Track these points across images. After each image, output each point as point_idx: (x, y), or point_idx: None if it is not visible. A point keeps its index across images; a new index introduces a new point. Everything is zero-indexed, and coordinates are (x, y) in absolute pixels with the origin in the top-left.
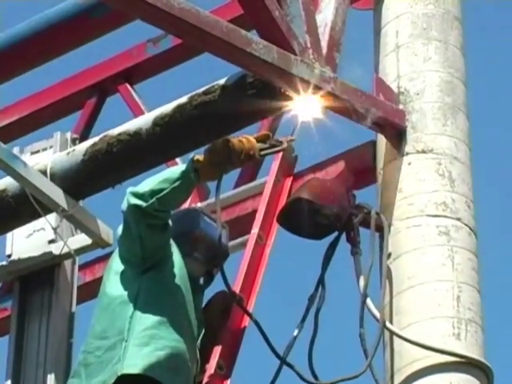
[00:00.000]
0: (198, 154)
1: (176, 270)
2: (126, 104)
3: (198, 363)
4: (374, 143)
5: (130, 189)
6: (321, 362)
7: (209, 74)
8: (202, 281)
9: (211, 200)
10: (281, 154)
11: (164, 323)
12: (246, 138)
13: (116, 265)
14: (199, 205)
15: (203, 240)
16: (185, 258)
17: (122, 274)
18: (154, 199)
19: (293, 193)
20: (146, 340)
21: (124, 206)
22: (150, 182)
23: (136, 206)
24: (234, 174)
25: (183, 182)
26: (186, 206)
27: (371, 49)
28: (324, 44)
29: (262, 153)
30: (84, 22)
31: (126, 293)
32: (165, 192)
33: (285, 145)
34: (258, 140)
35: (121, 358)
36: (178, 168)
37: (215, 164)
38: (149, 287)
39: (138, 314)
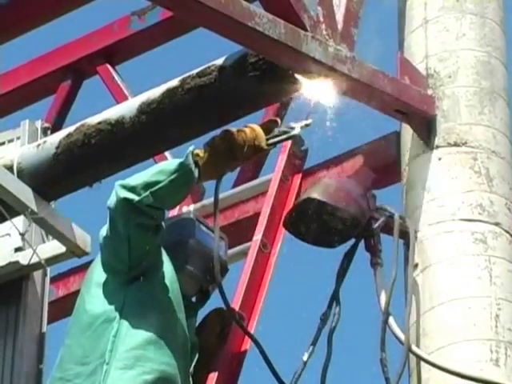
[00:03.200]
0: (198, 148)
1: (167, 281)
2: (106, 88)
3: None
4: (397, 135)
5: (120, 181)
6: None
7: (204, 53)
8: (194, 299)
9: (206, 201)
10: (288, 147)
11: (152, 343)
12: (249, 127)
13: (97, 276)
14: (192, 207)
15: (198, 252)
16: (176, 272)
17: (105, 285)
18: (147, 193)
19: (302, 193)
20: (131, 362)
21: (111, 200)
22: (144, 173)
23: (126, 200)
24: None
25: (182, 175)
26: (177, 209)
27: (395, 24)
28: (339, 17)
29: (270, 141)
30: None
31: (109, 308)
32: (161, 185)
33: (297, 130)
34: (264, 128)
35: (101, 383)
36: (175, 160)
37: (216, 160)
38: (135, 300)
39: (123, 331)
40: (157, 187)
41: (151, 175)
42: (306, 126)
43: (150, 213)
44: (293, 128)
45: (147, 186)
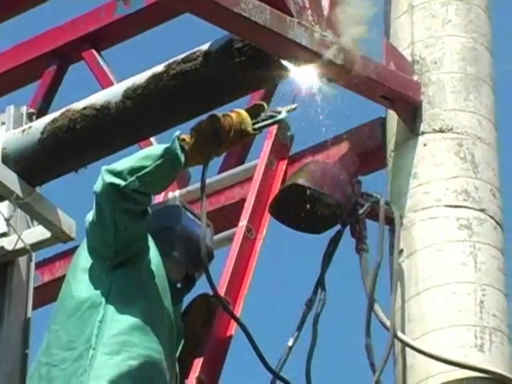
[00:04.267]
0: (184, 133)
1: (153, 267)
2: (91, 73)
3: (178, 377)
4: (383, 121)
5: (106, 166)
6: (320, 377)
7: (189, 39)
8: (180, 285)
9: (192, 187)
10: (274, 133)
11: (138, 328)
12: (235, 111)
13: (83, 261)
14: (178, 193)
15: (184, 238)
16: (162, 258)
17: (91, 270)
18: (133, 177)
19: (288, 178)
20: (117, 348)
21: (97, 185)
22: (130, 158)
23: (112, 185)
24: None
25: (169, 160)
26: (162, 195)
27: (381, 9)
28: (325, 3)
29: (256, 126)
30: None
31: (95, 293)
32: (147, 170)
33: (284, 114)
34: (250, 113)
35: (87, 368)
36: (161, 145)
37: (202, 145)
38: (121, 285)
39: (109, 316)
40: (143, 172)
41: (137, 160)
42: (292, 110)
43: (137, 198)
44: (279, 112)
45: (133, 170)
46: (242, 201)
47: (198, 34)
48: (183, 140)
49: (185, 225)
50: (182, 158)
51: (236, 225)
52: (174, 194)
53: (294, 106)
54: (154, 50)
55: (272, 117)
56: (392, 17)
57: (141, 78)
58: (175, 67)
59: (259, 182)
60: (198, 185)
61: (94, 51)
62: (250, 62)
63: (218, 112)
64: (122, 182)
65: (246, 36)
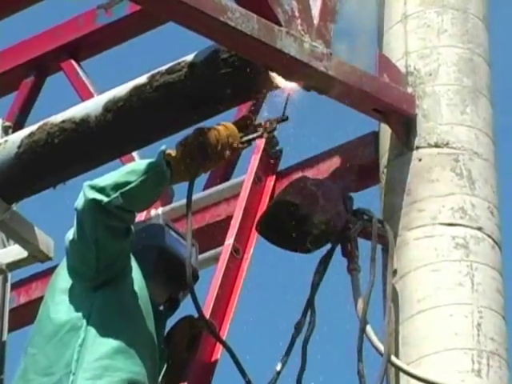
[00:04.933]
0: (170, 148)
1: (136, 288)
2: (70, 85)
3: None
4: (376, 135)
5: (88, 182)
6: None
7: (173, 49)
8: (163, 308)
9: (176, 204)
10: (261, 147)
11: (121, 352)
12: (222, 124)
13: (62, 281)
14: (161, 210)
15: (168, 259)
16: (145, 279)
17: (71, 291)
18: (117, 193)
19: (276, 195)
20: (100, 372)
21: (79, 202)
22: (113, 174)
23: (95, 201)
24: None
25: (154, 175)
26: (144, 213)
27: (373, 19)
28: (315, 12)
29: (244, 139)
30: None
31: (75, 315)
32: (131, 185)
33: (273, 126)
34: (238, 126)
35: None
36: (146, 160)
37: (188, 160)
38: (103, 307)
39: (90, 340)
40: (127, 188)
41: (121, 175)
42: (282, 121)
43: (120, 215)
44: (268, 124)
45: (117, 186)
46: (229, 218)
47: (182, 43)
48: (169, 155)
49: (169, 244)
50: (168, 174)
51: (222, 244)
52: (157, 211)
53: (283, 117)
54: (136, 61)
55: (261, 129)
56: (385, 26)
57: (122, 89)
58: (159, 79)
59: (246, 198)
60: (182, 202)
61: (73, 62)
62: (236, 73)
63: (205, 125)
64: (104, 198)
65: (233, 46)
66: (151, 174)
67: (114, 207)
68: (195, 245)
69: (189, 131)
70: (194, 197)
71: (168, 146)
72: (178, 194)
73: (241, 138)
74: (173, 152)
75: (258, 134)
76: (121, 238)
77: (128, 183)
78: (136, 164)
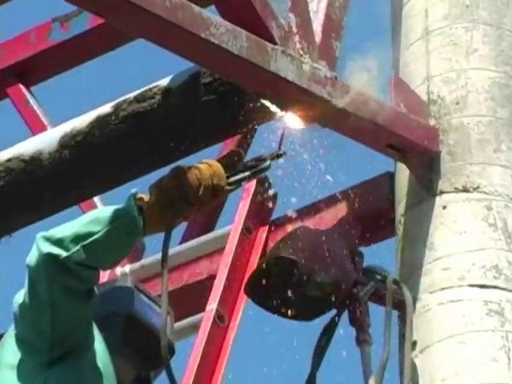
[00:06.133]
0: (141, 192)
1: (99, 364)
2: (19, 115)
3: None
4: (391, 177)
5: (42, 233)
6: None
7: (144, 72)
8: None
9: (147, 261)
10: (252, 191)
11: None
12: (205, 162)
13: (10, 354)
14: (128, 269)
15: (138, 329)
16: (110, 353)
17: (20, 367)
18: (78, 247)
19: (269, 250)
20: None
21: (31, 257)
22: (73, 223)
23: (51, 256)
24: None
25: (123, 225)
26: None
27: (388, 35)
28: (317, 27)
29: (232, 179)
30: None
31: None
32: (96, 237)
33: (267, 163)
34: (224, 163)
35: None
36: (113, 206)
37: (165, 206)
38: None
39: None
40: (90, 240)
41: (83, 225)
42: (277, 157)
43: (81, 273)
44: (261, 161)
45: (78, 238)
46: (211, 278)
47: (155, 65)
48: (141, 200)
49: (138, 311)
50: (140, 223)
51: (203, 309)
52: (123, 270)
53: (280, 153)
54: (99, 86)
55: (252, 167)
56: (402, 45)
57: (82, 121)
58: (126, 108)
59: (233, 254)
60: (154, 258)
61: (21, 86)
62: (221, 101)
63: (184, 164)
64: (63, 253)
65: (217, 68)
66: (120, 224)
67: (74, 264)
68: (170, 312)
69: (164, 171)
70: (170, 251)
71: (139, 189)
72: (150, 249)
73: (227, 178)
74: (145, 196)
75: (249, 173)
76: (82, 301)
77: (91, 234)
78: (100, 211)
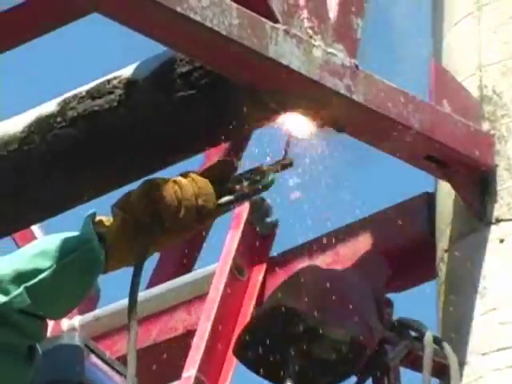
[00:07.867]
0: (102, 214)
1: None
2: None
3: None
4: (430, 199)
5: None
6: None
7: (99, 58)
8: None
9: (102, 311)
10: (244, 216)
11: None
12: (188, 175)
13: None
14: (77, 320)
15: None
16: None
17: None
18: (21, 289)
19: (267, 297)
20: None
21: None
22: (13, 258)
23: None
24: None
25: (79, 259)
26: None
27: (426, 13)
28: (332, 1)
29: (223, 200)
30: None
31: None
32: (44, 276)
33: (270, 177)
34: (212, 177)
35: None
36: (63, 234)
37: (132, 232)
38: None
39: None
40: (36, 280)
41: (26, 260)
42: (284, 168)
43: (23, 324)
44: (262, 173)
45: (20, 277)
46: (189, 334)
47: (114, 51)
48: (101, 224)
49: (89, 379)
50: (102, 255)
51: (178, 376)
52: (70, 322)
53: (286, 162)
54: (39, 78)
55: (249, 183)
56: (446, 23)
57: (18, 124)
58: (76, 106)
59: (218, 302)
60: (112, 306)
61: None
62: (203, 98)
63: (158, 176)
64: (0, 298)
65: (198, 53)
66: (75, 257)
67: (16, 311)
68: (135, 382)
69: (131, 187)
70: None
71: (98, 210)
72: (106, 293)
73: (217, 197)
74: (107, 220)
75: (244, 192)
76: (21, 362)
77: (38, 272)
78: (49, 241)
